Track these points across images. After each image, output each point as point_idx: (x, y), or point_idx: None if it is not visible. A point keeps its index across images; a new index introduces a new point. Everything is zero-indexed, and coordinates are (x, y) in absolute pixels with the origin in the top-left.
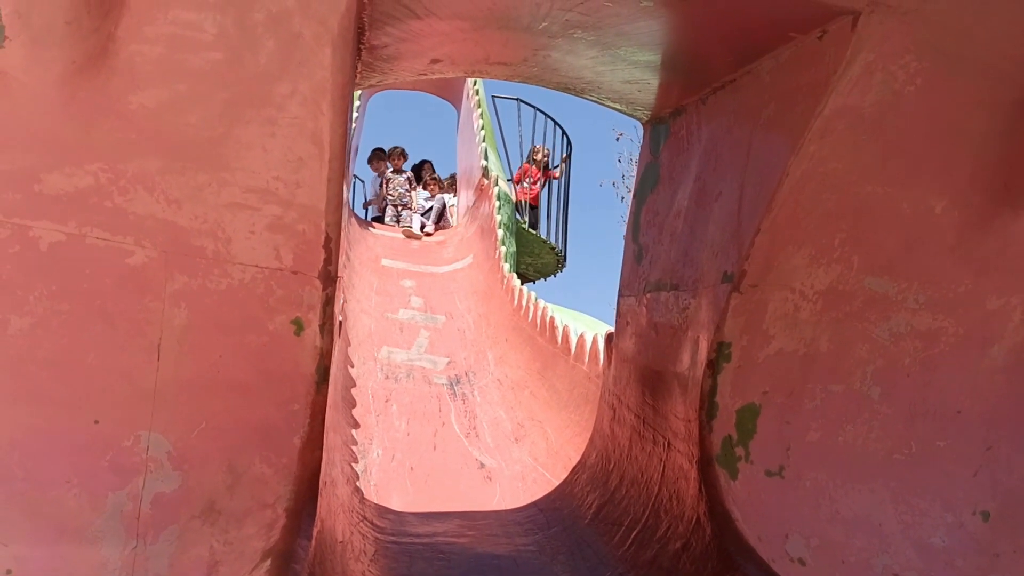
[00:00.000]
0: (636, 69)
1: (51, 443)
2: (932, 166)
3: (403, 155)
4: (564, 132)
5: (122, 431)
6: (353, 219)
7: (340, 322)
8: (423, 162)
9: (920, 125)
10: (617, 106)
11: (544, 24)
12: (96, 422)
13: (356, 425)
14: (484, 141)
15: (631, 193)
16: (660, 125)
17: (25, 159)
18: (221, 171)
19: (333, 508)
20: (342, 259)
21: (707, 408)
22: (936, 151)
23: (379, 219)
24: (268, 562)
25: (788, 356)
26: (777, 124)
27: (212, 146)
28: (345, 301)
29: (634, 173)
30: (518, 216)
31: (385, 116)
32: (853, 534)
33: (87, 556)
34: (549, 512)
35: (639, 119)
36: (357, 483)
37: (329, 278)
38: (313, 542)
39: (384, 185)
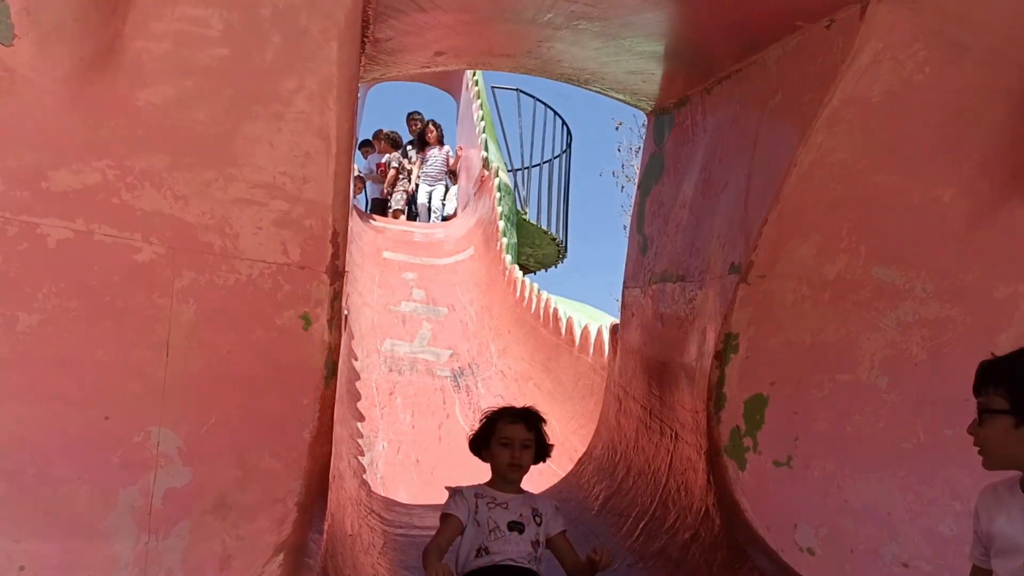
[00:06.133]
0: (641, 59)
1: (61, 440)
2: (941, 155)
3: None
4: (564, 122)
5: (132, 427)
6: (353, 211)
7: (345, 315)
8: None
9: (929, 114)
10: (621, 96)
11: (549, 16)
12: (106, 418)
13: (361, 418)
14: (484, 132)
15: (635, 183)
16: (664, 115)
17: (32, 156)
18: (228, 167)
19: (342, 501)
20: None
21: (715, 399)
22: (945, 140)
23: (378, 209)
24: (281, 556)
25: (796, 346)
26: (785, 114)
27: (219, 142)
28: (348, 294)
29: (634, 162)
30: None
31: (384, 108)
32: (862, 523)
33: (100, 551)
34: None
35: (643, 109)
36: (364, 476)
37: (336, 273)
38: (325, 536)
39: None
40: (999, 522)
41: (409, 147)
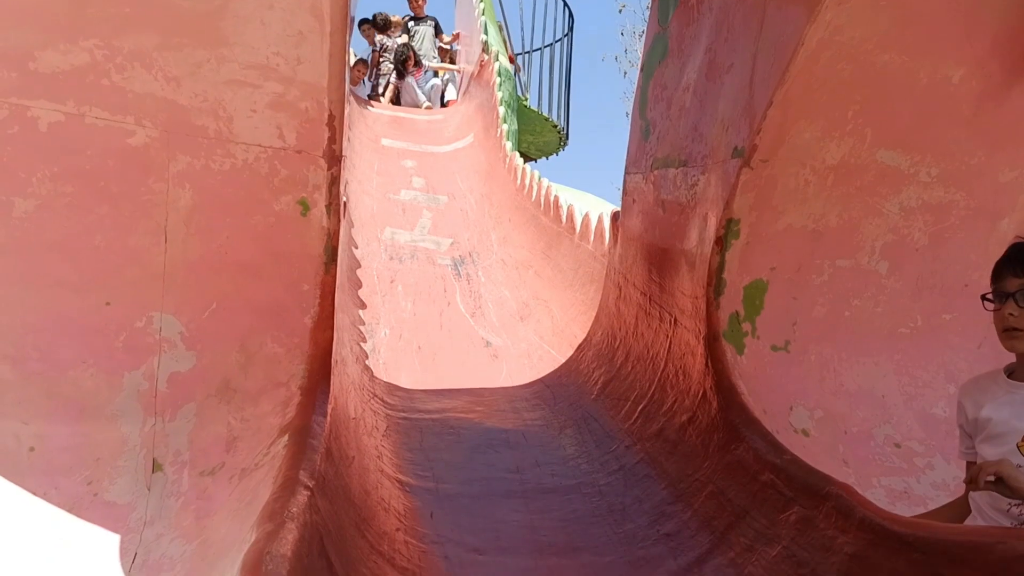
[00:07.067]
0: None
1: (64, 325)
2: (952, 33)
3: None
4: (566, 3)
5: (133, 312)
6: (351, 96)
7: (344, 202)
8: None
9: None
10: None
11: None
12: (107, 304)
13: (363, 305)
14: (483, 14)
15: (638, 67)
16: None
17: (19, 36)
18: (219, 47)
19: (344, 386)
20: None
21: (715, 285)
22: (957, 17)
23: (374, 95)
24: (286, 437)
25: (797, 232)
26: None
27: (209, 20)
28: (347, 181)
29: (637, 47)
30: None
31: None
32: (856, 406)
33: (108, 433)
34: (555, 388)
35: None
36: (366, 362)
37: (334, 157)
38: (328, 418)
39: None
40: (986, 409)
41: (411, 22)
